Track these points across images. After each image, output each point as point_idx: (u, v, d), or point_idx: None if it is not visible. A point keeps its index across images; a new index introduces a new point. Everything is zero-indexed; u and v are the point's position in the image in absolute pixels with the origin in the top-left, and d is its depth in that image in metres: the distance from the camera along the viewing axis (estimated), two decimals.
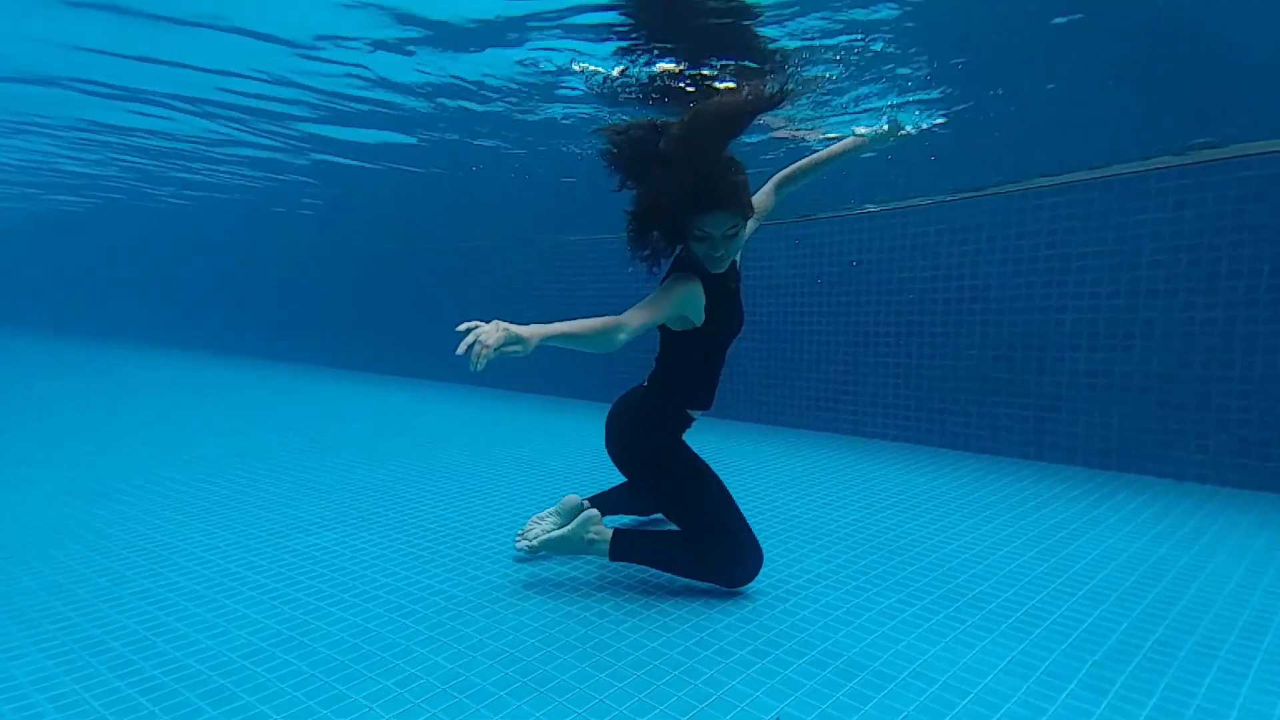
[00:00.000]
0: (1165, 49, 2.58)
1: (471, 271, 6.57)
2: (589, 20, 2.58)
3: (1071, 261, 3.36)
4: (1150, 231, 3.14)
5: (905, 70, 2.87)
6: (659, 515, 2.54)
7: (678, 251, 1.96)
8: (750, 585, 2.03)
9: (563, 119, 3.79)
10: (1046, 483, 3.13)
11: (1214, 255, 2.99)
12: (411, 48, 2.98)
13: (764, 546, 2.31)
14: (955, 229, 3.73)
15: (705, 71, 2.91)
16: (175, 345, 10.83)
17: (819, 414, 4.37)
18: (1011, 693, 1.49)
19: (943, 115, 3.30)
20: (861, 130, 2.14)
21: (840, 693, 1.50)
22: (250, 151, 5.15)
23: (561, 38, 2.75)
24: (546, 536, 2.11)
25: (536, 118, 3.79)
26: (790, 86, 2.92)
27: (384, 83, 3.44)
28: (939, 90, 3.06)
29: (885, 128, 2.12)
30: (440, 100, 3.65)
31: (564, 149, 4.38)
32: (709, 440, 4.07)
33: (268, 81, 3.52)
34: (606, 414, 2.14)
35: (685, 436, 2.10)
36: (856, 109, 3.33)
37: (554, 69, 3.07)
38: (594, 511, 2.06)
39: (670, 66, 2.88)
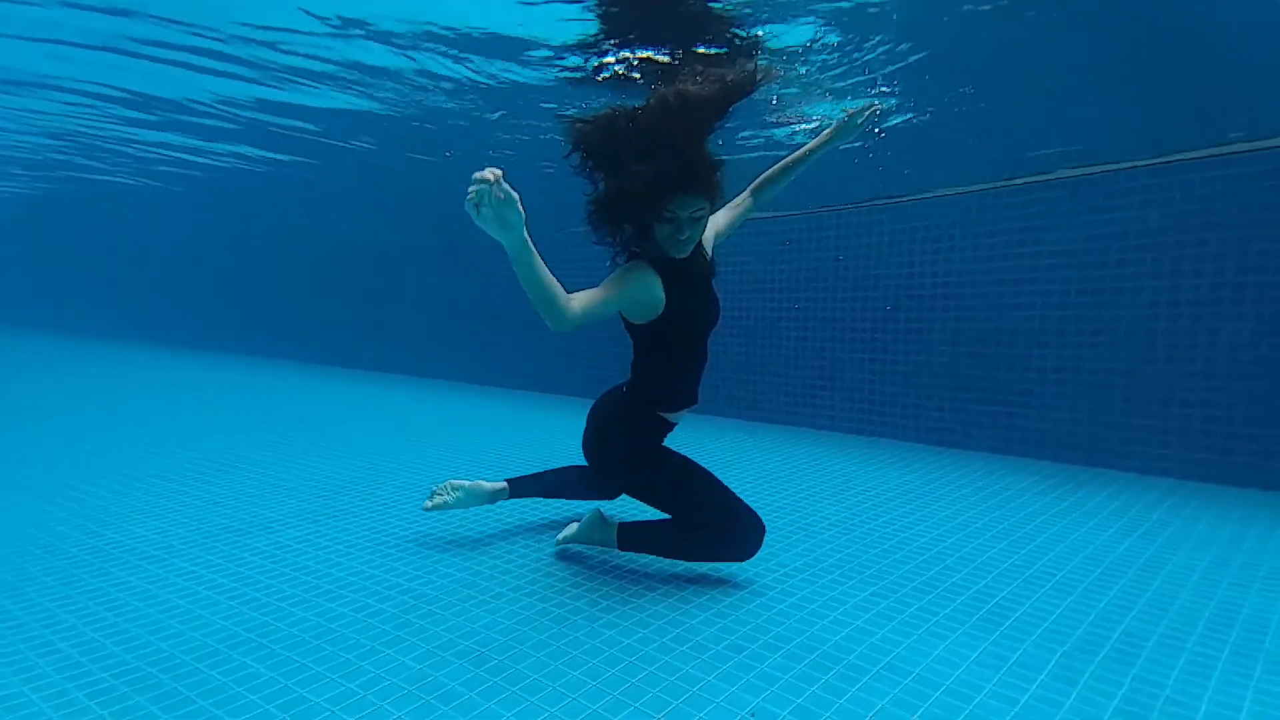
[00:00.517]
0: (1138, 45, 2.62)
1: (449, 265, 6.46)
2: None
3: (1041, 260, 3.41)
4: (1119, 230, 3.19)
5: (873, 58, 2.87)
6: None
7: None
8: (729, 576, 2.04)
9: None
10: (1015, 476, 3.17)
11: (1178, 254, 3.06)
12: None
13: None
14: (929, 226, 3.76)
15: (679, 56, 2.88)
16: (134, 340, 10.50)
17: (796, 410, 4.38)
18: (983, 684, 1.50)
19: (914, 112, 3.32)
20: (847, 111, 2.13)
21: (815, 686, 1.49)
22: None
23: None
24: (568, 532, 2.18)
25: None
26: (772, 67, 2.92)
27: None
28: (909, 84, 3.08)
29: (852, 111, 2.12)
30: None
31: (544, 137, 4.33)
32: (687, 437, 4.05)
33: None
34: (587, 411, 2.12)
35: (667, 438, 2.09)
36: (839, 86, 3.32)
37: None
38: (596, 513, 2.11)
39: (647, 55, 2.85)
